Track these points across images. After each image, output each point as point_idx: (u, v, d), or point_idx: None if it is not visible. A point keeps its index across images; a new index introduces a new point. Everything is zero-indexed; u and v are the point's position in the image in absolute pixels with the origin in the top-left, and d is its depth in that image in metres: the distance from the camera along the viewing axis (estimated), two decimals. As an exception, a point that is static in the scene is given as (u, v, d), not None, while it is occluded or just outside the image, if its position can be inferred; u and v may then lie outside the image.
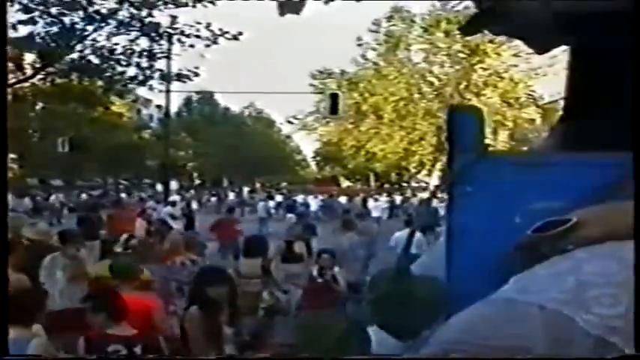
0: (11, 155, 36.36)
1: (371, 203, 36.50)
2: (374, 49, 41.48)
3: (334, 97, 23.47)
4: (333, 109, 23.12)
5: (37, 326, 4.48)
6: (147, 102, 67.80)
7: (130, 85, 13.56)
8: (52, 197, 37.08)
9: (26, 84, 15.77)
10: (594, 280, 1.10)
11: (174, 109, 68.39)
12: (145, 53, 12.76)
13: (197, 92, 60.76)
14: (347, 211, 21.57)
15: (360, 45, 41.56)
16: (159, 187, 54.79)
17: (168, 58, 14.35)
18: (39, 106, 40.14)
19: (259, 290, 7.50)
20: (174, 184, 57.47)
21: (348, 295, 8.25)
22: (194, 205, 27.08)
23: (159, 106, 72.08)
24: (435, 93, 40.23)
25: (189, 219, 21.35)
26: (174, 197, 19.83)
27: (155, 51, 12.86)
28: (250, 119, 71.56)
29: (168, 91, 25.94)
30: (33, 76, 13.73)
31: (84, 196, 37.99)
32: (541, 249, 1.24)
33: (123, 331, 4.52)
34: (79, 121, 42.10)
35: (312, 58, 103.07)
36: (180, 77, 13.82)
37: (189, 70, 13.66)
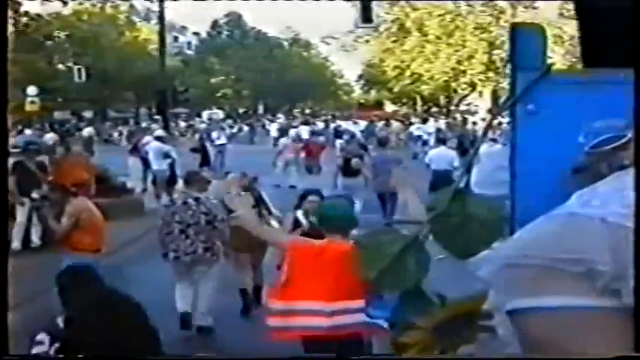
0: (31, 88, 33.69)
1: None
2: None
3: (365, 2, 19.73)
4: (366, 17, 19.67)
5: None
6: (183, 29, 65.55)
7: None
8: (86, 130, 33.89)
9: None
10: None
11: (203, 34, 65.85)
12: None
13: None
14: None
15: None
16: (205, 115, 52.75)
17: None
18: (58, 33, 37.85)
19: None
20: (220, 114, 55.29)
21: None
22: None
23: (196, 33, 69.84)
24: (485, 5, 37.23)
25: (204, 154, 18.92)
26: (160, 132, 16.54)
27: None
28: (286, 42, 68.69)
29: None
30: None
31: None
32: (598, 166, 1.29)
33: None
34: (101, 49, 39.68)
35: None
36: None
37: None
